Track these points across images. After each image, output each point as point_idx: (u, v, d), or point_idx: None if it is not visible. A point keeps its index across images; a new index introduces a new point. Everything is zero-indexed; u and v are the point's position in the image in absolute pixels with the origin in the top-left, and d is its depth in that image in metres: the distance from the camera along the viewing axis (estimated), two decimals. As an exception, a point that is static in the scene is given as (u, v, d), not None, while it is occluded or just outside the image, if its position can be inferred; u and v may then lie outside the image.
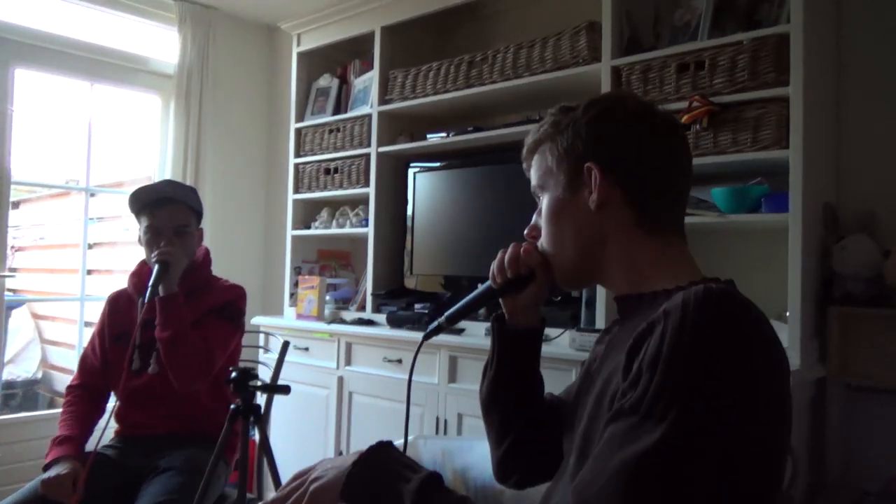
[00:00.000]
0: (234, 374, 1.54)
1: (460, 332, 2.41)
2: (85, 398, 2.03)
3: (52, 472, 1.76)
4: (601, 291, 2.18)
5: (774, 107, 1.89)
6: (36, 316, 5.34)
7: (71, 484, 1.74)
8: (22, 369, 4.98)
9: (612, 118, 0.95)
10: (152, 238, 1.99)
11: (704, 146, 1.98)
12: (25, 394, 4.87)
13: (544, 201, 1.00)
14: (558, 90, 2.45)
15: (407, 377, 2.46)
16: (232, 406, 1.59)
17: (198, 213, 2.09)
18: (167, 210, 2.00)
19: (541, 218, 1.02)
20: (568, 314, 2.25)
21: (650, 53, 2.12)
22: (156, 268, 1.89)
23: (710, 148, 1.98)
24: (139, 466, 1.90)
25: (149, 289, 1.87)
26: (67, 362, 5.01)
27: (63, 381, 4.97)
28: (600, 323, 2.16)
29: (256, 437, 1.74)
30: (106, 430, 1.88)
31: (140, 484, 1.83)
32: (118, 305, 2.11)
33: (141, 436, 1.99)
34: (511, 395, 1.11)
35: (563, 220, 0.97)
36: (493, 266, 1.08)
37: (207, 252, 2.17)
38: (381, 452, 0.93)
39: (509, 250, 1.06)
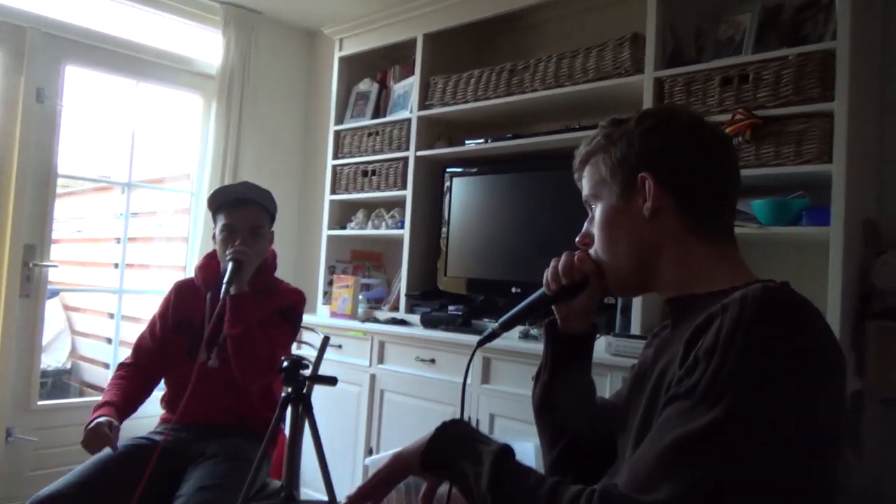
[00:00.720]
0: (285, 364, 1.59)
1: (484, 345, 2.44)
2: (134, 376, 2.08)
3: (89, 426, 1.82)
4: (637, 300, 2.21)
5: (818, 121, 1.91)
6: (67, 307, 5.45)
7: (107, 430, 1.79)
8: (52, 359, 5.07)
9: (664, 130, 0.99)
10: (227, 236, 2.05)
11: (746, 158, 2.01)
12: (55, 383, 4.97)
13: (598, 210, 1.03)
14: (599, 100, 2.49)
15: (441, 377, 2.50)
16: (283, 394, 1.63)
17: (272, 216, 2.15)
18: (244, 211, 2.06)
19: (593, 226, 1.05)
20: (603, 320, 2.28)
21: (694, 66, 2.15)
22: (230, 265, 1.95)
23: (753, 160, 2.01)
24: (186, 452, 1.96)
25: (224, 285, 1.92)
26: (97, 353, 5.11)
27: (92, 372, 5.07)
28: (635, 329, 2.19)
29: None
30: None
31: (185, 469, 1.89)
32: (183, 294, 2.16)
33: (190, 423, 2.05)
34: (564, 400, 1.14)
35: (618, 227, 1.00)
36: (547, 273, 1.11)
37: (275, 255, 2.23)
38: (458, 424, 0.96)
39: (563, 258, 1.09)
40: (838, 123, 1.87)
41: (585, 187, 1.06)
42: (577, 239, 1.09)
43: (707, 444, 0.73)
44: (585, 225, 1.08)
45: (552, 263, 1.11)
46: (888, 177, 2.08)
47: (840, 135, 1.86)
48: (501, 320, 1.13)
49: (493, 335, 1.12)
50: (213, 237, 2.12)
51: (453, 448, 0.92)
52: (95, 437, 1.80)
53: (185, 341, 2.07)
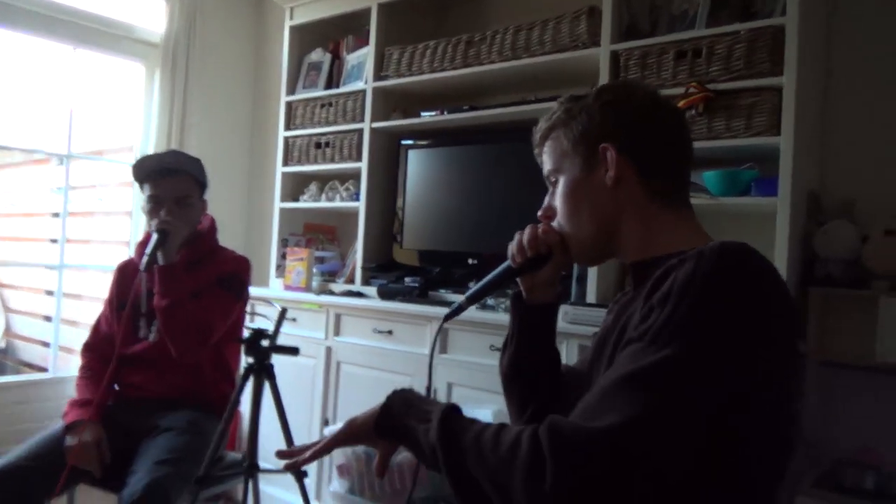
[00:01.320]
0: (247, 335, 1.57)
1: (451, 304, 2.46)
2: (98, 363, 2.03)
3: (75, 440, 1.77)
4: (592, 269, 2.26)
5: (768, 95, 1.98)
6: (0, 284, 5.22)
7: (96, 451, 1.76)
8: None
9: (623, 103, 1.03)
10: (154, 207, 1.99)
11: (699, 131, 2.06)
12: (-11, 362, 4.77)
13: (561, 182, 1.06)
14: (556, 73, 2.51)
15: (398, 348, 2.51)
16: (245, 364, 1.61)
17: (202, 185, 2.10)
18: (170, 180, 2.01)
19: (554, 199, 1.08)
20: (559, 289, 2.32)
21: (649, 40, 2.19)
22: (154, 237, 1.90)
23: (705, 133, 2.06)
24: (136, 426, 1.92)
25: (145, 257, 1.87)
26: (34, 332, 4.92)
27: (29, 351, 4.89)
28: (591, 297, 2.24)
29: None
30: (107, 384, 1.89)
31: (140, 442, 1.85)
32: (125, 275, 2.12)
33: (140, 398, 2.00)
34: (530, 368, 1.18)
35: (581, 198, 1.04)
36: (512, 246, 1.13)
37: (213, 222, 2.18)
38: (406, 392, 0.99)
39: (527, 231, 1.11)
40: (786, 97, 1.93)
41: (547, 162, 1.09)
42: (539, 213, 1.12)
43: (653, 378, 0.77)
44: (547, 199, 1.11)
45: (516, 237, 1.13)
46: (829, 151, 2.17)
47: (788, 108, 1.93)
48: (468, 294, 1.16)
49: (460, 309, 1.16)
50: (143, 209, 2.06)
51: (404, 412, 0.95)
52: (86, 458, 1.77)
53: (130, 320, 2.02)
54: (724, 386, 0.77)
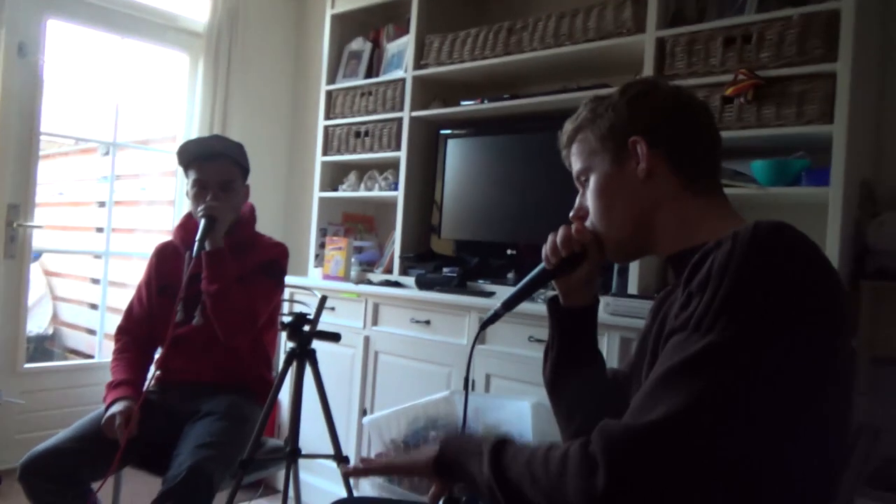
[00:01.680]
0: (289, 319, 1.58)
1: (490, 294, 2.45)
2: (133, 345, 2.07)
3: (109, 412, 1.81)
4: (634, 261, 2.22)
5: (820, 82, 1.91)
6: (47, 272, 5.37)
7: (123, 420, 1.78)
8: (34, 325, 5.01)
9: (649, 96, 1.03)
10: (199, 192, 2.02)
11: (747, 119, 2.01)
12: (38, 349, 4.91)
13: (592, 180, 1.05)
14: (599, 60, 2.47)
15: (436, 338, 2.50)
16: (288, 348, 1.63)
17: (244, 170, 2.12)
18: (214, 165, 2.03)
19: (585, 199, 1.07)
20: (600, 281, 2.29)
21: (697, 26, 2.14)
22: (202, 222, 1.92)
23: (754, 121, 2.00)
24: (180, 410, 1.95)
25: (196, 243, 1.90)
26: (79, 319, 5.05)
27: (75, 338, 5.02)
28: (632, 289, 2.20)
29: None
30: (151, 377, 1.93)
31: (181, 427, 1.88)
32: (164, 257, 2.14)
33: (181, 381, 2.04)
34: (574, 374, 1.16)
35: (614, 193, 1.03)
36: (546, 248, 1.12)
37: (253, 209, 2.20)
38: (459, 435, 1.02)
39: (560, 232, 1.10)
40: (840, 84, 1.87)
41: (575, 164, 1.09)
42: (570, 214, 1.11)
43: (698, 366, 0.75)
44: (578, 199, 1.10)
45: (549, 238, 1.12)
46: (885, 139, 2.09)
47: (842, 96, 1.86)
48: (504, 300, 1.16)
49: (496, 316, 1.16)
50: (187, 193, 2.08)
51: (457, 452, 0.96)
52: (116, 429, 1.79)
53: (171, 303, 2.05)
54: (769, 367, 0.75)
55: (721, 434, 0.73)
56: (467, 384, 1.24)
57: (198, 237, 1.91)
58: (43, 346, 5.07)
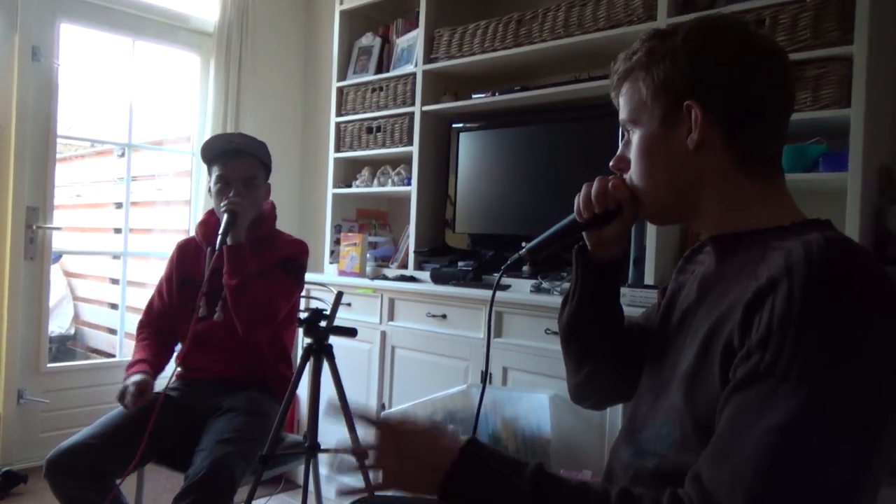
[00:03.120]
0: (306, 315, 1.59)
1: (506, 287, 2.45)
2: (153, 337, 2.10)
3: (124, 384, 1.86)
4: (650, 249, 2.21)
5: (836, 65, 1.88)
6: (68, 273, 5.44)
7: (140, 392, 1.82)
8: (56, 325, 5.08)
9: (715, 52, 0.89)
10: (222, 188, 2.04)
11: (762, 105, 1.98)
12: (60, 349, 4.98)
13: (636, 136, 0.97)
14: (610, 49, 2.42)
15: (452, 332, 2.50)
16: (305, 344, 1.64)
17: (267, 167, 2.14)
18: (238, 161, 2.05)
19: (629, 150, 0.99)
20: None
21: (708, 12, 2.11)
22: (225, 217, 1.94)
23: (768, 107, 1.98)
24: (201, 407, 1.97)
25: (218, 237, 1.92)
26: (100, 319, 5.11)
27: (96, 338, 5.09)
28: (649, 279, 2.19)
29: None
30: (172, 374, 1.95)
31: (204, 423, 1.90)
32: (186, 253, 2.16)
33: (202, 379, 2.06)
34: (591, 325, 1.13)
35: (658, 158, 0.94)
36: (579, 200, 1.06)
37: (274, 207, 2.23)
38: (476, 458, 0.86)
39: (596, 184, 1.04)
40: (857, 67, 1.84)
41: (623, 109, 0.99)
42: (611, 163, 1.03)
43: (801, 430, 0.69)
44: (621, 148, 1.02)
45: (584, 189, 1.06)
46: (904, 122, 2.06)
47: (859, 79, 1.83)
48: (529, 245, 1.10)
49: (521, 261, 1.11)
50: (209, 190, 2.10)
51: (477, 488, 0.83)
52: (133, 394, 1.83)
53: (192, 299, 2.07)
54: (867, 413, 0.70)
55: (827, 494, 0.69)
56: (485, 377, 1.22)
57: (220, 231, 1.93)
58: (65, 346, 5.14)
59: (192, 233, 2.28)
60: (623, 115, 0.99)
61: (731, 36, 0.92)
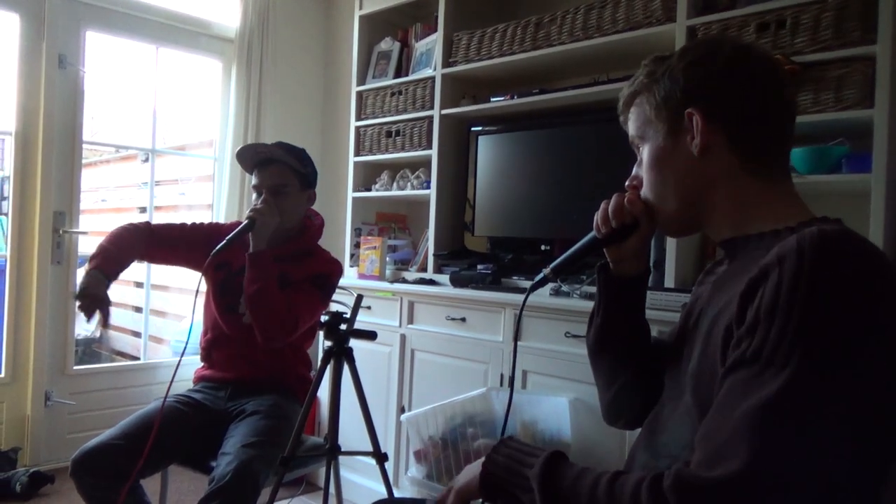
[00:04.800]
0: (326, 319, 1.60)
1: (523, 291, 2.44)
2: (141, 233, 2.08)
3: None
4: (670, 252, 2.20)
5: (859, 65, 1.86)
6: (93, 277, 5.52)
7: (92, 300, 1.84)
8: (82, 328, 5.15)
9: (709, 63, 0.94)
10: (256, 197, 2.06)
11: (783, 106, 1.96)
12: (86, 351, 5.06)
13: (645, 151, 1.01)
14: (629, 52, 2.44)
15: (471, 335, 2.49)
16: (326, 347, 1.65)
17: (302, 175, 2.12)
18: (266, 170, 2.08)
19: (641, 168, 1.03)
20: (647, 260, 2.27)
21: (729, 13, 2.09)
22: (244, 223, 1.96)
23: (790, 108, 1.96)
24: (224, 409, 2.00)
25: (223, 241, 1.92)
26: (125, 322, 5.18)
27: (121, 341, 5.16)
28: (669, 282, 2.18)
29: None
30: (176, 373, 1.92)
31: (226, 426, 1.92)
32: (222, 237, 2.16)
33: (224, 381, 2.08)
34: (618, 342, 1.14)
35: (666, 168, 0.98)
36: (597, 217, 1.10)
37: (322, 223, 2.24)
38: (501, 450, 0.95)
39: (612, 200, 1.07)
40: (880, 67, 1.82)
41: (631, 129, 1.04)
42: (626, 182, 1.08)
43: (781, 410, 0.71)
44: (634, 168, 1.06)
45: (602, 206, 1.09)
46: (930, 122, 2.02)
47: (882, 78, 1.81)
48: (552, 265, 1.13)
49: (545, 280, 1.14)
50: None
51: (503, 478, 0.92)
52: (90, 302, 1.84)
53: (220, 280, 2.10)
54: (848, 399, 0.71)
55: (804, 478, 0.70)
56: (513, 378, 1.23)
57: (229, 235, 1.93)
58: (91, 349, 5.22)
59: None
60: (631, 133, 1.04)
61: (724, 47, 0.96)
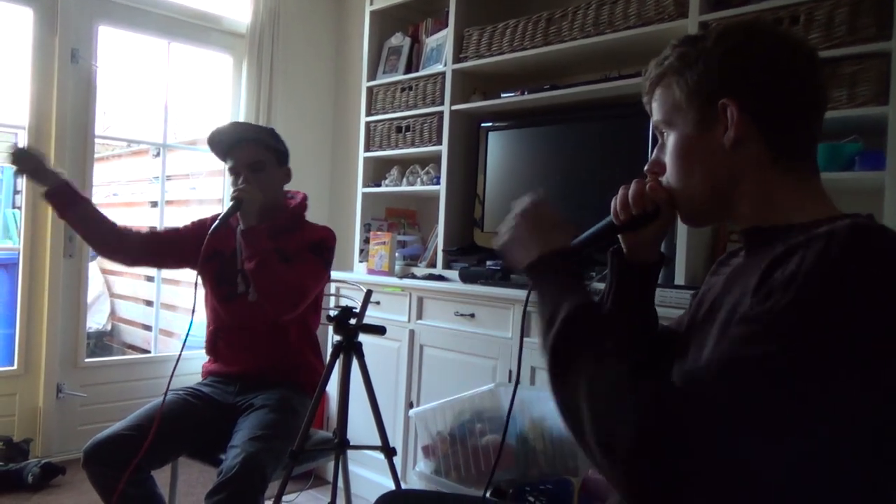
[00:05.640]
0: (335, 313, 1.61)
1: (535, 287, 2.44)
2: (138, 234, 2.13)
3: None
4: (681, 248, 2.19)
5: (873, 62, 1.84)
6: (105, 270, 5.57)
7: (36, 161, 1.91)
8: (93, 321, 5.20)
9: (749, 52, 0.90)
10: (234, 180, 2.07)
11: (796, 103, 1.95)
12: (97, 344, 5.10)
13: (671, 138, 0.97)
14: (641, 47, 2.42)
15: (480, 331, 2.49)
16: (335, 342, 1.65)
17: (277, 151, 2.15)
18: (240, 150, 2.09)
19: (663, 154, 1.00)
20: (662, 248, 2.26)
21: (742, 8, 2.08)
22: (230, 204, 1.97)
23: (803, 104, 1.95)
24: (233, 402, 2.01)
25: (216, 222, 1.95)
26: (136, 315, 5.22)
27: (132, 334, 5.20)
28: (679, 279, 2.17)
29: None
30: (179, 359, 1.92)
31: (235, 418, 1.93)
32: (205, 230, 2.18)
33: (232, 374, 2.09)
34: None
35: (694, 158, 0.95)
36: (615, 202, 1.06)
37: (305, 197, 2.26)
38: (558, 256, 0.98)
39: (633, 186, 1.04)
40: (895, 64, 1.80)
41: (656, 112, 0.99)
42: (646, 167, 1.04)
43: (766, 374, 0.70)
44: (655, 152, 1.02)
45: (621, 191, 1.06)
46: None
47: (898, 75, 1.80)
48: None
49: None
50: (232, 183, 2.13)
51: (547, 280, 0.96)
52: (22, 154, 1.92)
53: (214, 271, 2.12)
54: (836, 387, 0.70)
55: (751, 442, 0.70)
56: (518, 372, 1.22)
57: (220, 216, 1.95)
58: (102, 342, 5.27)
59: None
60: (657, 117, 1.00)
61: (764, 35, 0.93)
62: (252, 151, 2.09)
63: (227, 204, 2.00)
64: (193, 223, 2.23)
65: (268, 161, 2.11)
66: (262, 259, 1.93)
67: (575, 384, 0.80)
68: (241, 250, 1.99)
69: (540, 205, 1.05)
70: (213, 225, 1.94)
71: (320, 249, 2.10)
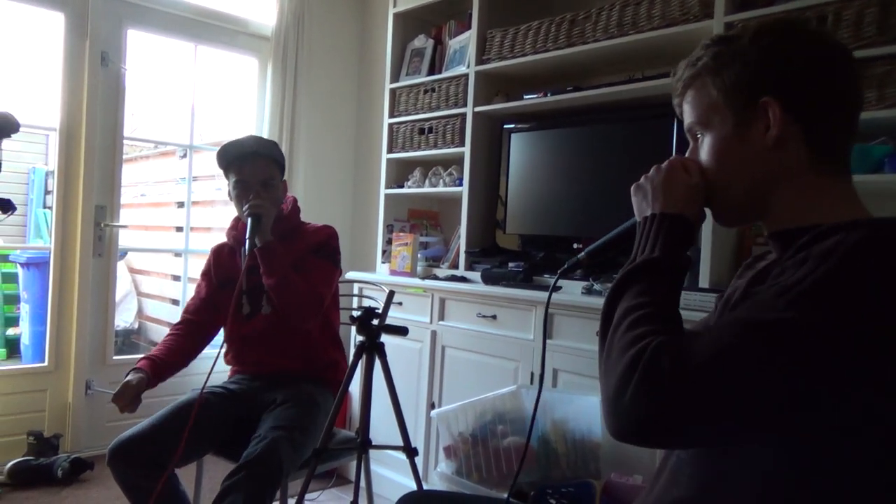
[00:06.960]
0: (358, 314, 1.62)
1: (558, 289, 2.44)
2: (186, 332, 2.16)
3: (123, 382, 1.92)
4: (705, 252, 2.17)
5: (904, 63, 1.82)
6: (132, 270, 5.66)
7: (133, 393, 1.89)
8: (121, 319, 5.29)
9: (788, 49, 0.89)
10: (241, 192, 2.09)
11: (824, 104, 1.93)
12: (125, 342, 5.19)
13: (708, 139, 0.95)
14: (665, 49, 2.41)
15: (502, 332, 2.49)
16: (358, 342, 1.67)
17: (281, 166, 2.18)
18: (254, 164, 2.09)
19: (696, 154, 0.98)
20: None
21: (768, 9, 2.06)
22: (249, 221, 1.99)
23: (831, 106, 1.92)
24: (259, 400, 2.03)
25: (246, 241, 1.97)
26: (162, 314, 5.30)
27: (158, 332, 5.27)
28: (703, 282, 2.15)
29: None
30: (214, 366, 1.94)
31: (260, 415, 1.96)
32: (221, 256, 2.24)
33: (258, 373, 2.12)
34: None
35: (735, 158, 0.93)
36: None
37: (295, 200, 2.29)
38: (670, 218, 0.95)
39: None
40: (926, 64, 1.77)
41: (689, 114, 0.98)
42: None
43: (762, 336, 0.72)
44: (687, 153, 1.01)
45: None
46: (978, 121, 1.97)
47: (928, 76, 1.77)
48: (588, 249, 1.10)
49: (579, 264, 1.10)
50: (229, 194, 2.15)
51: (650, 234, 0.96)
52: (122, 398, 1.89)
53: (233, 298, 2.13)
54: (839, 363, 0.71)
55: (743, 408, 0.73)
56: (542, 374, 1.22)
57: (247, 235, 1.98)
58: (129, 340, 5.36)
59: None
60: (690, 119, 0.98)
61: (801, 33, 0.92)
62: (266, 167, 2.11)
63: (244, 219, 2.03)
64: (207, 263, 2.26)
65: (276, 177, 2.14)
66: (282, 275, 1.97)
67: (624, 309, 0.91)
68: (246, 266, 2.00)
69: (679, 167, 0.99)
70: (246, 246, 1.96)
71: (326, 251, 2.12)
